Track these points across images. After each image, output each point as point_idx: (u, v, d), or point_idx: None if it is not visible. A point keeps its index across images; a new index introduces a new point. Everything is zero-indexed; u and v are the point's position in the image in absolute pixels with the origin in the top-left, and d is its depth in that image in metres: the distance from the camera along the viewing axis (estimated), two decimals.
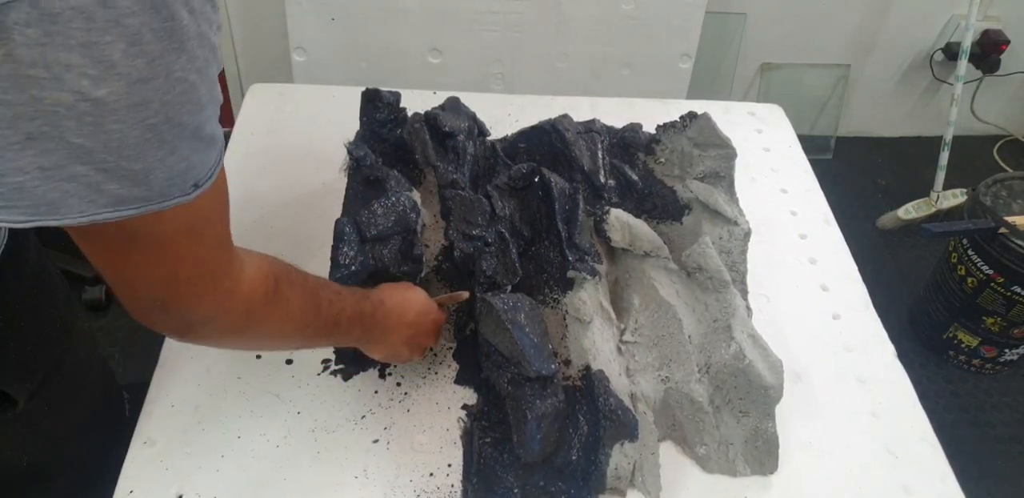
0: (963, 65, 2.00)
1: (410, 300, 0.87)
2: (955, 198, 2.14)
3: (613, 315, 0.94)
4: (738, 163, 1.06)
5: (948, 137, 2.06)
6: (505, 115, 1.30)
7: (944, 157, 2.09)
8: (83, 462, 1.03)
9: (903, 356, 1.03)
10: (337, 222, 0.93)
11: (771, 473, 0.88)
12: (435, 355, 0.96)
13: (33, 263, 0.79)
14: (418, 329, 0.87)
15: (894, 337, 1.05)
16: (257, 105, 1.28)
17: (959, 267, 1.69)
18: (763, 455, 0.87)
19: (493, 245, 0.92)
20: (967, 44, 1.97)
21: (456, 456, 0.86)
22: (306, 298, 0.70)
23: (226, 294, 0.60)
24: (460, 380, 0.94)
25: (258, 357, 0.94)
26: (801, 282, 1.11)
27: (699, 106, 1.16)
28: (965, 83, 2.03)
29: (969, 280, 1.67)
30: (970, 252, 1.64)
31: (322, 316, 0.72)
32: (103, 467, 0.89)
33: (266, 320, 0.65)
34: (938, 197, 2.15)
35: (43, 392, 0.86)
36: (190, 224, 0.53)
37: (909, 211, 2.16)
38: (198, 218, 0.54)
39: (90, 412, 1.03)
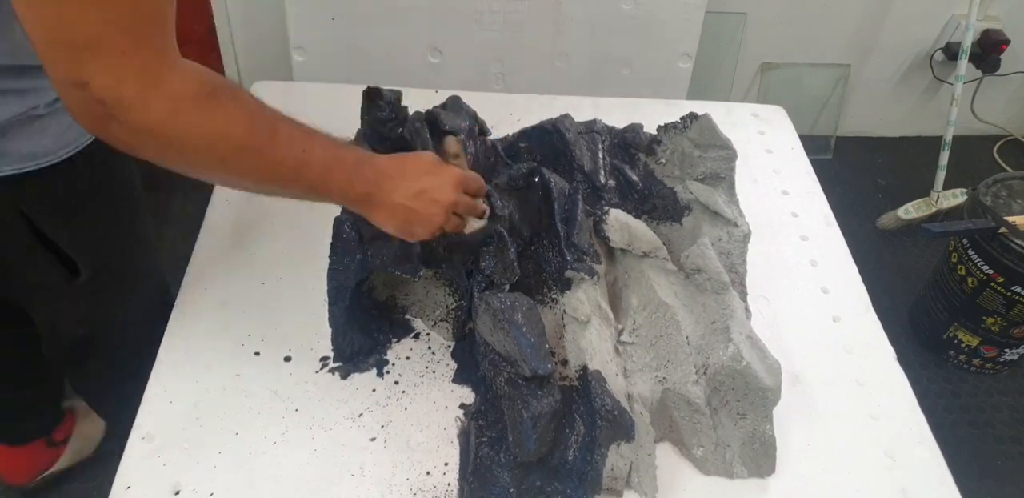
0: (963, 65, 2.00)
1: (410, 158, 0.78)
2: (955, 198, 2.14)
3: (611, 315, 0.94)
4: (740, 164, 1.06)
5: (948, 137, 2.06)
6: (507, 114, 1.30)
7: (944, 157, 2.09)
8: (131, 334, 1.10)
9: (903, 356, 1.03)
10: (336, 220, 0.93)
11: (768, 475, 0.88)
12: (433, 353, 0.96)
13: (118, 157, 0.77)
14: (427, 183, 0.76)
15: (894, 337, 1.05)
16: None
17: (959, 267, 1.69)
18: (760, 457, 0.87)
19: (492, 244, 0.92)
20: (967, 44, 1.97)
21: (453, 455, 0.86)
22: (253, 119, 0.64)
23: (153, 79, 0.56)
24: (458, 379, 0.94)
25: (256, 354, 0.94)
26: (801, 284, 1.11)
27: (702, 107, 1.16)
28: (965, 83, 2.03)
29: (969, 280, 1.67)
30: (970, 252, 1.64)
31: (280, 146, 0.65)
32: (148, 339, 0.97)
33: (196, 128, 0.59)
34: (938, 197, 2.15)
35: (104, 271, 0.96)
36: None
37: (909, 211, 2.16)
38: None
39: (141, 293, 1.10)
